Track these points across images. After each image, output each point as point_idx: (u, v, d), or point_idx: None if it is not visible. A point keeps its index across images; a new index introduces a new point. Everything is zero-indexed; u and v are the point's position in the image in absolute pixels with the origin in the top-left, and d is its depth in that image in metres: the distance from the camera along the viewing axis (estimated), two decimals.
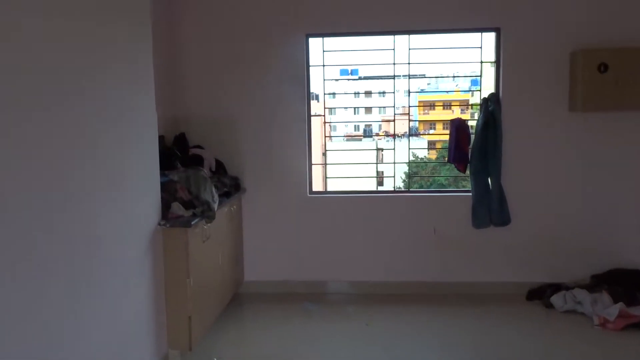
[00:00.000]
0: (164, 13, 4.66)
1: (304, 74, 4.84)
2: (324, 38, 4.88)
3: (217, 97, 4.91)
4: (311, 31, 4.81)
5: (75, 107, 2.53)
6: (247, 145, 4.93)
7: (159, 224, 3.43)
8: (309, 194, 5.00)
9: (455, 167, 4.81)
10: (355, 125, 26.00)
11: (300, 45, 4.80)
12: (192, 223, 3.45)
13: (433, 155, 22.50)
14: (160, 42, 4.52)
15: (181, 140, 4.69)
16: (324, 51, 4.90)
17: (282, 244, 5.00)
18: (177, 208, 3.56)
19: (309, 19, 4.77)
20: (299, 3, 4.76)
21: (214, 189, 3.86)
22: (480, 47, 4.80)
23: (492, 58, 4.79)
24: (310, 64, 4.88)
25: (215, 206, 3.78)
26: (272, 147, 4.93)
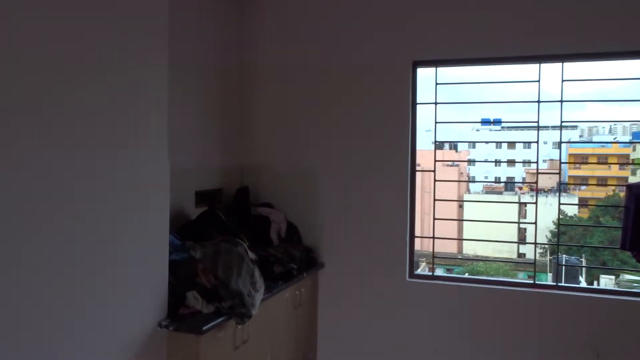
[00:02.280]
0: (234, 49, 3.78)
1: (407, 115, 3.58)
2: (437, 67, 3.61)
3: (294, 144, 3.82)
4: (420, 57, 3.56)
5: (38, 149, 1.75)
6: (329, 207, 3.74)
7: (160, 325, 2.33)
8: (409, 277, 3.64)
9: (634, 257, 3.15)
10: (495, 177, 24.03)
11: (404, 77, 3.57)
12: (205, 328, 2.30)
13: (584, 214, 19.57)
14: (226, 80, 3.66)
15: (243, 195, 3.65)
16: (436, 84, 3.61)
17: (371, 342, 3.67)
18: (193, 300, 2.45)
19: (417, 41, 3.53)
20: (403, 23, 3.55)
21: (257, 272, 2.70)
22: None
23: None
24: (418, 101, 3.62)
25: (256, 299, 2.60)
26: (361, 211, 3.68)
